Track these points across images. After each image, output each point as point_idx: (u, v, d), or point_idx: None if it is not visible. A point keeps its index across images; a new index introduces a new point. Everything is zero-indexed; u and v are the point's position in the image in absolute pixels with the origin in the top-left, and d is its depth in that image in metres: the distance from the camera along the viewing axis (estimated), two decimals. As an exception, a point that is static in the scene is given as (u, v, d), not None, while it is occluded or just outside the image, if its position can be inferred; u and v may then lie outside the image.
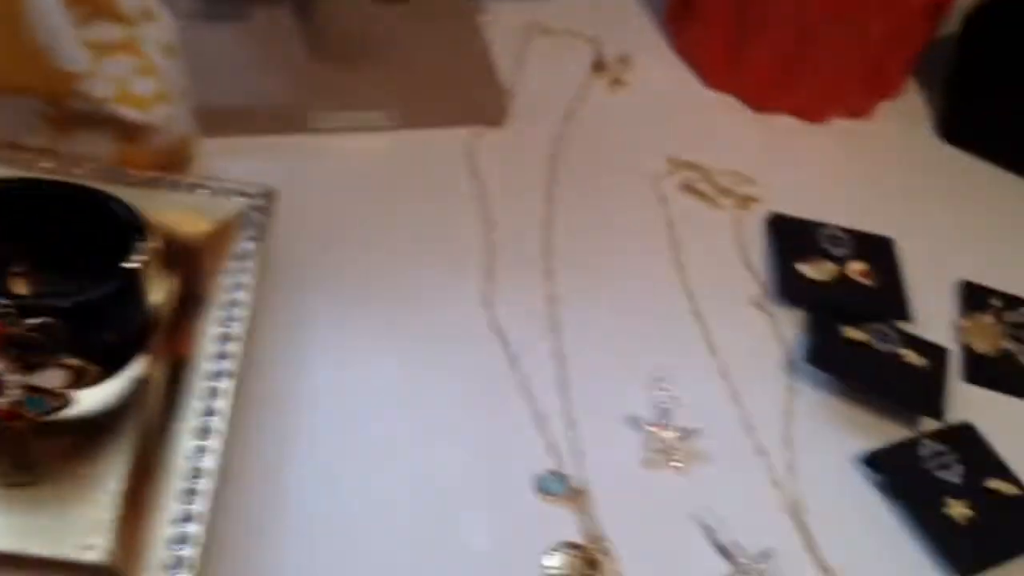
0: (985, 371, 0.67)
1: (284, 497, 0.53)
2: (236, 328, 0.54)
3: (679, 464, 0.58)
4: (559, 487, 0.56)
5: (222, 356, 0.53)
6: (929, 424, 0.63)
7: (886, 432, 0.62)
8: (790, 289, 0.69)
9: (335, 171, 0.71)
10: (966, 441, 0.62)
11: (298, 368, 0.58)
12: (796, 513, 0.57)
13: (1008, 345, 0.68)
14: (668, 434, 0.58)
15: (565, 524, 0.55)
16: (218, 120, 0.70)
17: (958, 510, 0.57)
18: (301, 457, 0.54)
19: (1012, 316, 0.70)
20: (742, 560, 0.53)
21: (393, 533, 0.53)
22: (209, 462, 0.48)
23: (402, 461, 0.55)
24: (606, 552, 0.53)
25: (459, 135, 0.75)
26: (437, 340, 0.62)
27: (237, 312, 0.55)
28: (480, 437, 0.58)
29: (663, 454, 0.58)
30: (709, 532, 0.55)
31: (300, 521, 0.52)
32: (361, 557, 0.51)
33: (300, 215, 0.66)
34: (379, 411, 0.57)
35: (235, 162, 0.68)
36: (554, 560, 0.52)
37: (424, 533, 0.53)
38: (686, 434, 0.59)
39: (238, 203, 0.60)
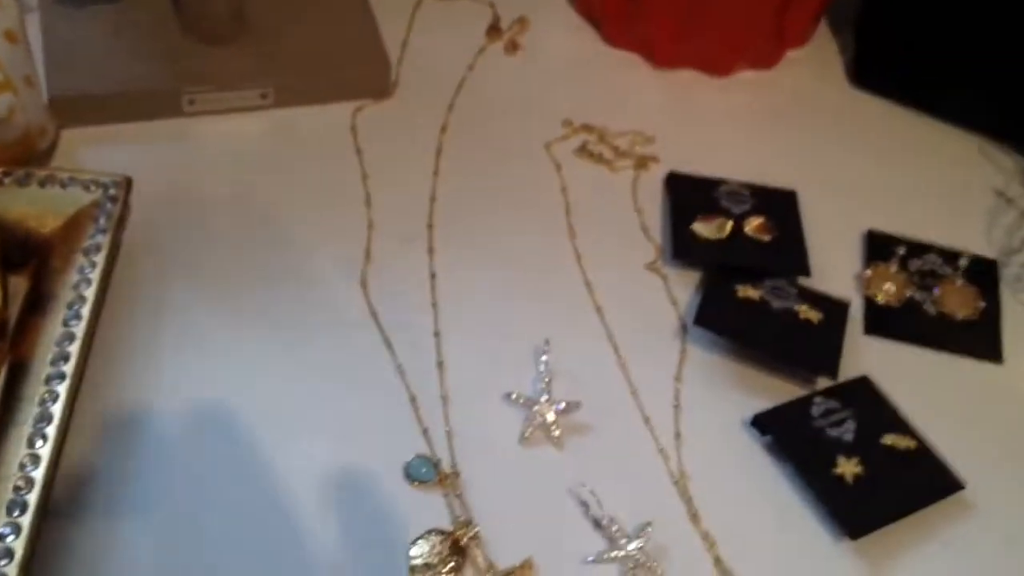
0: (887, 322, 0.65)
1: (131, 502, 0.50)
2: (79, 327, 0.52)
3: (558, 439, 0.56)
4: (429, 472, 0.53)
5: (63, 358, 0.50)
6: (825, 381, 0.60)
7: (781, 392, 0.60)
8: (684, 250, 0.66)
9: (210, 154, 0.68)
10: (862, 396, 0.59)
11: (150, 363, 0.56)
12: (681, 482, 0.55)
13: (912, 293, 0.66)
14: (548, 408, 0.56)
15: (437, 510, 0.53)
16: (86, 108, 0.67)
17: (848, 469, 0.55)
18: (152, 459, 0.52)
19: (917, 263, 0.68)
20: (618, 534, 0.51)
21: (253, 530, 0.51)
22: (39, 472, 0.46)
23: (264, 455, 0.53)
24: (474, 536, 0.51)
25: (342, 110, 0.72)
26: (308, 324, 0.59)
27: (83, 310, 0.53)
28: (350, 424, 0.55)
29: (543, 430, 0.56)
30: (585, 508, 0.53)
31: (151, 525, 0.50)
32: (218, 556, 0.49)
33: (169, 203, 0.64)
34: (240, 403, 0.55)
35: (104, 151, 0.66)
36: (417, 549, 0.50)
37: (287, 529, 0.51)
38: (568, 407, 0.56)
39: (91, 195, 0.58)
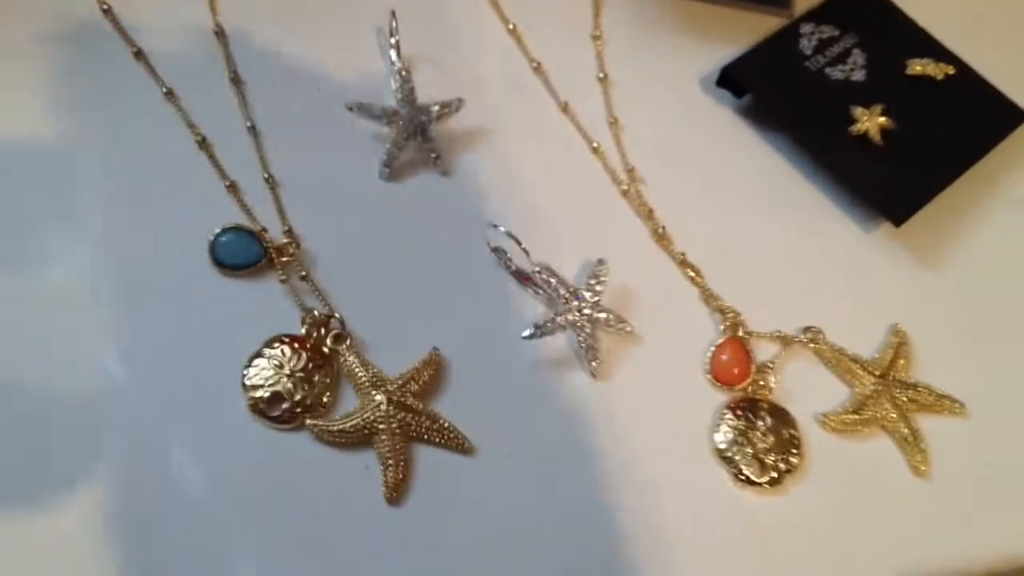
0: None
1: None
2: None
3: (440, 162, 0.36)
4: (251, 248, 0.34)
5: None
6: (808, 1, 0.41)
7: (751, 29, 0.41)
8: None
9: None
10: (866, 12, 0.41)
11: None
12: (631, 189, 0.37)
13: None
14: (416, 114, 0.36)
15: (276, 306, 0.33)
16: None
17: (871, 122, 0.37)
18: None
19: None
20: (558, 288, 0.33)
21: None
22: None
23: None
24: (340, 336, 0.32)
25: None
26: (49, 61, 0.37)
27: None
28: (113, 198, 0.35)
29: (419, 152, 0.36)
30: (503, 258, 0.35)
31: None
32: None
33: None
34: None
35: None
36: (257, 373, 0.31)
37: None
38: (445, 108, 0.36)
39: None
